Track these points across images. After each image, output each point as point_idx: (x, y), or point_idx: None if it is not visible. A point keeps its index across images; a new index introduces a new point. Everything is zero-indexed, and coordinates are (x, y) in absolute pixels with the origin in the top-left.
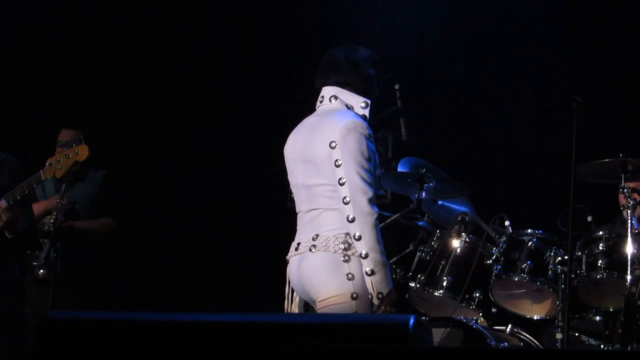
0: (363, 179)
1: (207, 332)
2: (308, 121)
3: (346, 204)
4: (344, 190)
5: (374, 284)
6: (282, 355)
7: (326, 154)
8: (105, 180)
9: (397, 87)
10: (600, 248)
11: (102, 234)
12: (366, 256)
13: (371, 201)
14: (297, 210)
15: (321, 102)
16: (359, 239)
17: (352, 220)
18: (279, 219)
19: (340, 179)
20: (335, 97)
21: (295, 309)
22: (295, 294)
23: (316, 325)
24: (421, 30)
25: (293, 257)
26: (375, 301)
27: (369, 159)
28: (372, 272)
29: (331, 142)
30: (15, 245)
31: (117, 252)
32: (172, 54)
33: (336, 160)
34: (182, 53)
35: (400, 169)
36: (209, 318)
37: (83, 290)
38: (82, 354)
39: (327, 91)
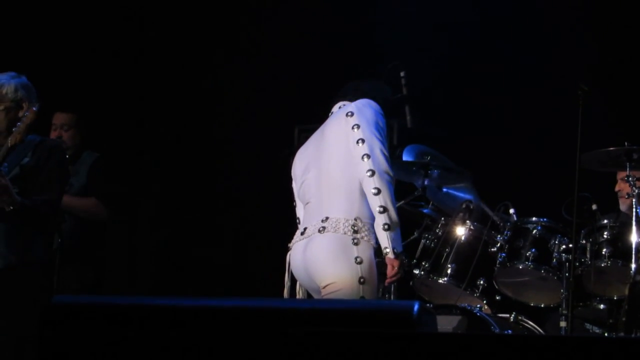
0: (381, 142)
1: (211, 318)
2: (316, 132)
3: (367, 159)
4: (364, 148)
5: (390, 239)
6: (286, 341)
7: (342, 126)
8: (97, 162)
9: (402, 74)
10: (605, 236)
11: (85, 212)
12: (384, 210)
13: (389, 162)
14: (305, 202)
15: (329, 116)
16: (378, 193)
17: (372, 174)
18: (283, 207)
19: (359, 139)
20: (344, 104)
21: (298, 296)
22: (298, 284)
23: (321, 310)
24: (426, 16)
25: (298, 243)
26: (391, 255)
27: (383, 131)
28: (389, 228)
29: (348, 114)
30: (22, 220)
31: (107, 234)
32: (179, 43)
33: (354, 125)
34: (190, 42)
35: (405, 156)
36: (214, 303)
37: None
38: (86, 338)
39: (336, 104)
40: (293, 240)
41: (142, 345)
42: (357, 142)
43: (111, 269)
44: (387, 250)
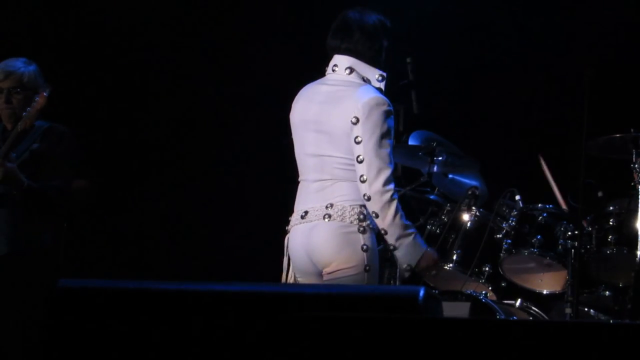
0: (382, 159)
1: (216, 302)
2: (321, 89)
3: (363, 182)
4: (362, 169)
5: (398, 259)
6: (292, 325)
7: (345, 129)
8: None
9: (409, 60)
10: (611, 223)
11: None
12: (385, 233)
13: (388, 180)
14: (300, 178)
15: (334, 70)
16: (377, 217)
17: (369, 199)
18: (284, 192)
19: (358, 156)
20: (352, 70)
21: (291, 280)
22: (291, 269)
23: (326, 295)
24: (430, 3)
25: (298, 226)
26: (405, 274)
27: (389, 137)
28: (394, 248)
29: (352, 118)
30: (32, 205)
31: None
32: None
33: (356, 137)
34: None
35: (411, 142)
36: (219, 288)
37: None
38: (93, 322)
39: (341, 61)
40: (291, 223)
41: (147, 328)
42: (357, 158)
43: (111, 252)
44: (403, 268)
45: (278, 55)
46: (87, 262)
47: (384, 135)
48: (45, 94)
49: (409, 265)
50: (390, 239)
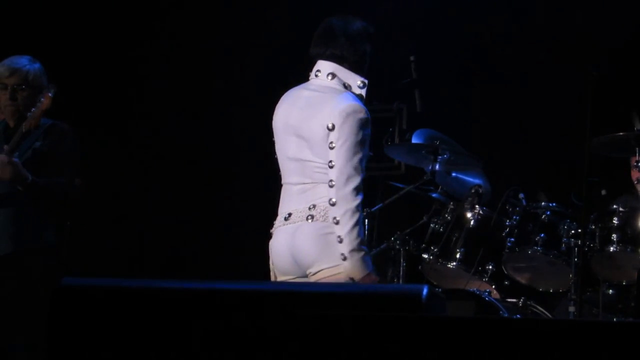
0: (352, 166)
1: (220, 300)
2: (302, 94)
3: (331, 187)
4: (332, 174)
5: (346, 270)
6: (294, 323)
7: (322, 135)
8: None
9: (412, 58)
10: (614, 222)
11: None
12: (341, 241)
13: (356, 189)
14: (283, 181)
15: (317, 76)
16: (337, 223)
17: (334, 204)
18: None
19: (330, 161)
20: (333, 75)
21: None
22: (272, 272)
23: (329, 294)
24: (434, 1)
25: (282, 227)
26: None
27: (363, 145)
28: (345, 258)
29: (329, 125)
30: (35, 201)
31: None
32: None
33: (330, 143)
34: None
35: (414, 140)
36: (222, 286)
37: None
38: (96, 320)
39: (324, 66)
40: (275, 225)
41: (150, 326)
42: (329, 164)
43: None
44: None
45: (269, 57)
46: (90, 260)
47: (357, 143)
48: (50, 94)
49: (352, 279)
50: (344, 248)
